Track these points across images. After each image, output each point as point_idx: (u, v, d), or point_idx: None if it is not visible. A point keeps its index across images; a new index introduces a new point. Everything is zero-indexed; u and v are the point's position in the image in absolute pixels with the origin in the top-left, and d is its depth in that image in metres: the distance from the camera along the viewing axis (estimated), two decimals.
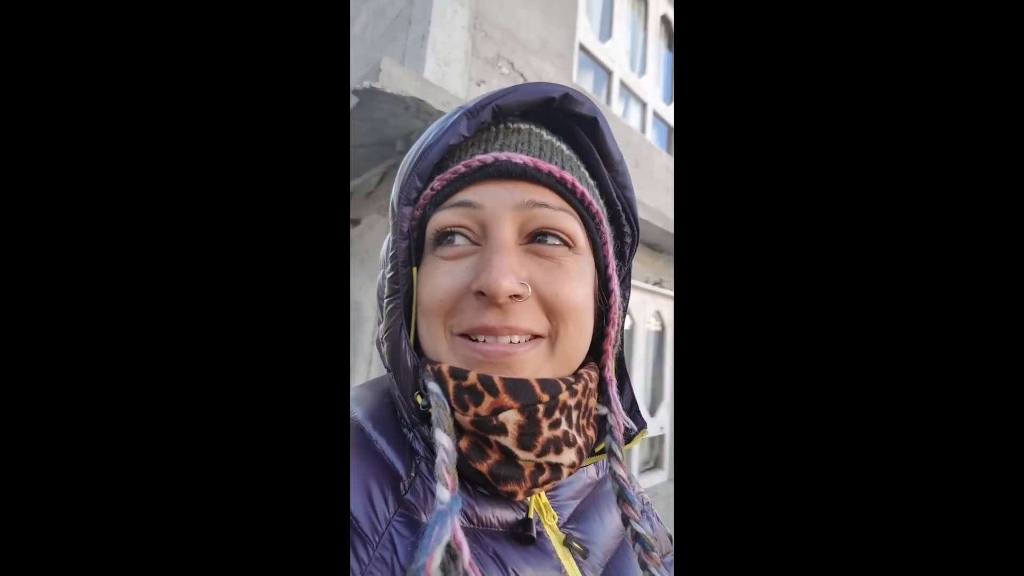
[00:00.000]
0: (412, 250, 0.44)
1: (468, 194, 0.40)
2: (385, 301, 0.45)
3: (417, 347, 0.43)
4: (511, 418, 0.36)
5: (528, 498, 0.42)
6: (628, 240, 0.47)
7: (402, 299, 0.43)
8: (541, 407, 0.37)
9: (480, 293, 0.38)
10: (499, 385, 0.37)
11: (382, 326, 0.46)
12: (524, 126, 0.43)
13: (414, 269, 0.43)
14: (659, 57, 4.76)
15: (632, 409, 0.45)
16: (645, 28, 4.58)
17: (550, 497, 0.45)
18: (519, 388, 0.37)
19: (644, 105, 4.51)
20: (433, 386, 0.39)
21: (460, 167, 0.40)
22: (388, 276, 0.44)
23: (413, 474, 0.41)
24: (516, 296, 0.37)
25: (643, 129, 4.47)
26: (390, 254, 0.43)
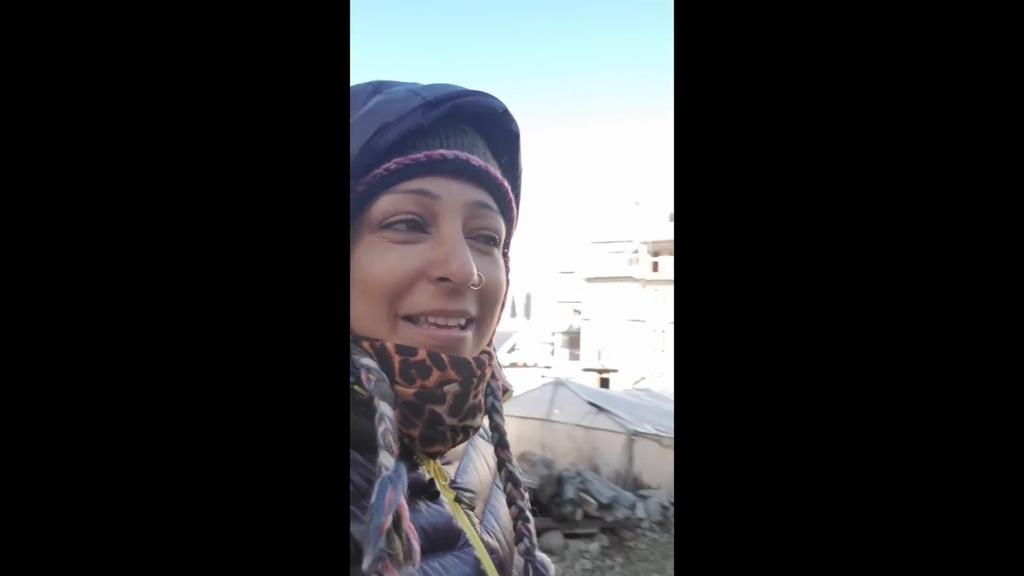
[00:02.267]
0: None
1: (425, 183, 0.43)
2: None
3: None
4: (452, 389, 0.42)
5: (424, 463, 0.47)
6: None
7: None
8: (475, 379, 0.43)
9: (442, 279, 0.42)
10: (446, 361, 0.42)
11: None
12: (467, 128, 0.47)
13: None
14: None
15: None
16: None
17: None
18: (461, 364, 0.43)
19: None
20: (368, 361, 0.41)
21: (420, 156, 0.42)
22: None
23: None
24: (474, 284, 0.43)
25: None
26: None
